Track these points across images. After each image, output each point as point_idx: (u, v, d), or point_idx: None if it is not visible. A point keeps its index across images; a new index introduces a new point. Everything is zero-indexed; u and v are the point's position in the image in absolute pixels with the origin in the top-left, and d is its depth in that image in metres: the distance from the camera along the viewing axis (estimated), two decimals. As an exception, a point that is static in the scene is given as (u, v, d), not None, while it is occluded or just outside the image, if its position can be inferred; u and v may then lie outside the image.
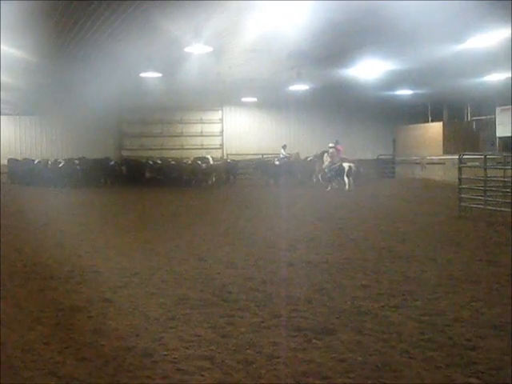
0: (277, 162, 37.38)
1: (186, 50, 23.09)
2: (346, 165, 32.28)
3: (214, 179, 38.20)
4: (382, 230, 16.55)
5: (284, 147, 39.63)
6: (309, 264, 11.77)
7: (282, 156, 38.80)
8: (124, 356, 6.68)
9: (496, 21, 20.25)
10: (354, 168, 32.26)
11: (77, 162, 38.20)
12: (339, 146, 35.44)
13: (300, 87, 36.06)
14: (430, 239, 14.97)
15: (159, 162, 39.47)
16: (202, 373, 6.23)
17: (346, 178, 31.69)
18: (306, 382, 5.98)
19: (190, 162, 39.48)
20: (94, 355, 6.74)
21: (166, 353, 6.79)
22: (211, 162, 39.25)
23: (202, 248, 13.91)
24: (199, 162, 38.23)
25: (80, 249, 13.97)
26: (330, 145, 34.96)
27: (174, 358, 6.63)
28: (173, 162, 39.39)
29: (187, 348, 6.95)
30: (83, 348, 6.99)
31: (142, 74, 29.94)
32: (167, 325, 7.86)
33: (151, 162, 38.94)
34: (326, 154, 34.76)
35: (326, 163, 34.19)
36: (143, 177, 37.71)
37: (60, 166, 37.09)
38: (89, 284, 10.31)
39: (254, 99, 44.49)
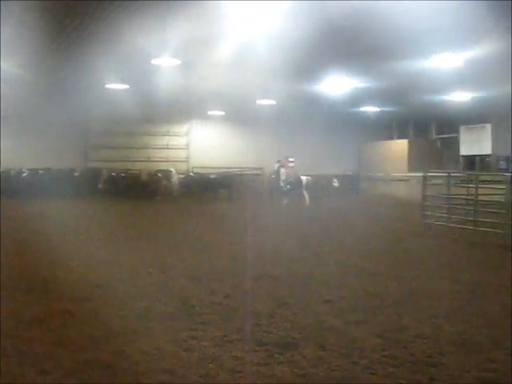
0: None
1: (154, 62, 23.07)
2: (303, 178, 32.40)
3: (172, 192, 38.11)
4: (345, 246, 16.61)
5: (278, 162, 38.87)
6: (273, 278, 11.76)
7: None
8: (84, 369, 6.60)
9: (463, 41, 20.51)
10: (310, 182, 32.41)
11: (41, 172, 37.86)
12: (291, 160, 35.22)
13: (267, 102, 36.17)
14: (393, 256, 15.07)
15: (113, 173, 39.00)
16: (164, 386, 6.18)
17: (304, 192, 31.82)
18: (267, 397, 5.97)
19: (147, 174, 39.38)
20: (53, 368, 6.64)
21: (127, 366, 6.72)
22: (174, 175, 39.09)
23: (166, 261, 13.84)
24: (159, 175, 38.08)
25: (40, 260, 13.82)
26: (290, 159, 34.87)
27: (135, 372, 6.56)
28: (123, 174, 39.02)
29: (149, 361, 6.89)
30: (43, 360, 6.88)
31: (108, 85, 29.84)
32: (129, 338, 7.79)
33: (105, 173, 38.44)
34: (282, 169, 34.57)
35: (283, 177, 34.04)
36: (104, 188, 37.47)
37: (24, 175, 36.75)
38: (50, 295, 10.19)
39: (222, 113, 44.51)
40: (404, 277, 12.15)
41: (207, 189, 38.63)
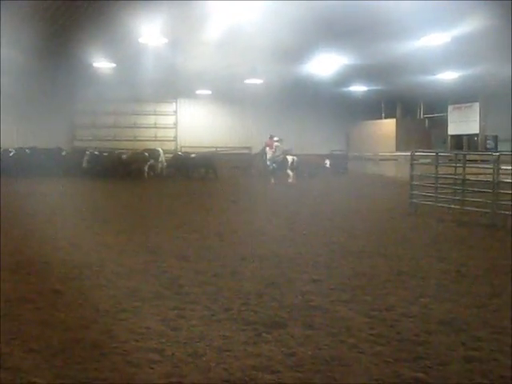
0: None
1: (141, 40, 22.96)
2: (289, 158, 32.49)
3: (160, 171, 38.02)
4: (333, 226, 16.64)
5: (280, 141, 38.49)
6: (260, 258, 11.78)
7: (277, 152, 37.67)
8: (72, 348, 6.61)
9: (450, 20, 20.50)
10: (296, 161, 32.51)
11: (28, 151, 37.71)
12: (276, 140, 35.04)
13: (255, 81, 36.10)
14: (380, 235, 15.10)
15: (96, 152, 38.67)
16: (152, 365, 6.18)
17: (289, 171, 31.91)
18: (255, 376, 5.98)
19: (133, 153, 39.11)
20: (41, 347, 6.65)
21: (115, 345, 6.73)
22: (161, 154, 38.89)
23: (154, 241, 13.84)
24: (146, 154, 37.87)
25: (28, 239, 13.80)
26: (275, 138, 34.78)
27: (124, 351, 6.57)
28: (105, 153, 38.80)
29: (137, 340, 6.90)
30: (31, 339, 6.89)
31: (95, 64, 29.69)
32: (117, 317, 7.80)
33: (88, 153, 38.12)
34: (267, 148, 34.49)
35: (269, 156, 33.98)
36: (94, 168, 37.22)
37: (11, 155, 36.61)
38: (38, 275, 10.18)
39: (209, 92, 44.41)
40: (391, 256, 12.19)
41: (192, 168, 38.44)
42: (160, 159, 38.83)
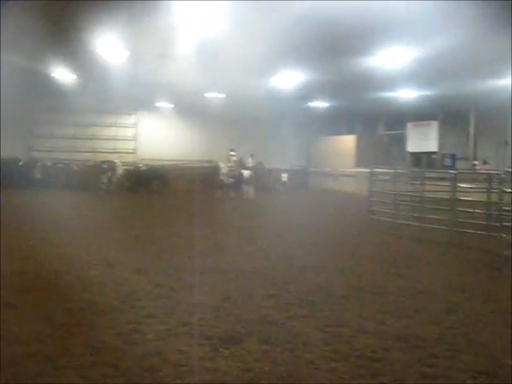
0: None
1: (102, 52, 22.86)
2: (245, 172, 32.54)
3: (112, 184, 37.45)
4: (292, 241, 16.63)
5: (252, 156, 38.63)
6: (218, 272, 11.74)
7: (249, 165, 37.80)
8: (26, 362, 6.52)
9: (410, 39, 20.75)
10: (252, 176, 32.59)
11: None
12: (233, 154, 35.01)
13: (216, 95, 36.14)
14: (338, 251, 15.15)
15: (48, 164, 37.75)
16: (106, 380, 6.14)
17: (244, 186, 31.98)
18: (211, 391, 5.96)
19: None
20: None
21: (69, 359, 6.65)
22: (118, 166, 38.31)
23: (111, 253, 13.72)
24: (104, 166, 37.33)
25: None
26: (232, 153, 34.77)
27: (78, 365, 6.49)
28: (59, 165, 38.03)
29: (92, 355, 6.83)
30: (-17, 354, 6.77)
31: (54, 75, 29.47)
32: (72, 331, 7.71)
33: (39, 164, 37.11)
34: (220, 163, 34.49)
35: (223, 171, 33.93)
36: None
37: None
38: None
39: (170, 105, 44.38)
40: (349, 272, 12.22)
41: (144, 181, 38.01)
42: (117, 172, 38.22)
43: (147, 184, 36.59)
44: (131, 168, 39.08)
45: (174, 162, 44.86)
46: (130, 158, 45.56)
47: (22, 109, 41.05)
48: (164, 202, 30.02)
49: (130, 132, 47.88)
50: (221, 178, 33.81)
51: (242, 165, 34.32)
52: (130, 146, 47.52)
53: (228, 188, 32.92)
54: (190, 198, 31.47)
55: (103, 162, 38.92)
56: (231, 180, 32.89)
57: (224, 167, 33.89)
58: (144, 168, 38.11)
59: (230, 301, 9.40)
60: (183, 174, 39.53)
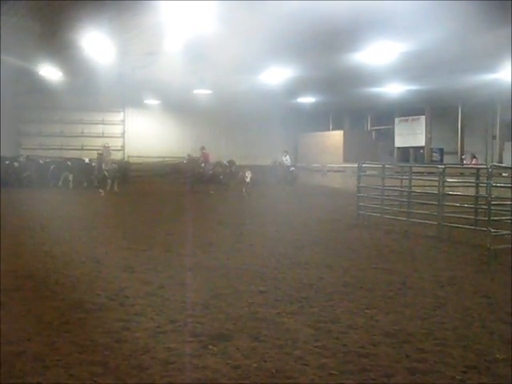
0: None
1: (88, 49, 22.78)
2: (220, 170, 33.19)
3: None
4: (280, 237, 16.63)
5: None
6: (207, 269, 11.74)
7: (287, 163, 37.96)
8: (14, 361, 6.49)
9: (398, 33, 20.77)
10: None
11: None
12: (206, 152, 34.85)
13: (204, 91, 36.11)
14: (327, 246, 15.15)
15: (16, 163, 36.75)
16: (95, 378, 6.11)
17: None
18: (200, 389, 5.95)
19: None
20: (-18, 361, 6.51)
21: (58, 358, 6.63)
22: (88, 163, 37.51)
23: (100, 251, 13.69)
24: (69, 163, 36.68)
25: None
26: (204, 150, 34.80)
27: (67, 364, 6.47)
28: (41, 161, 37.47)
29: (80, 353, 6.81)
30: (-30, 353, 6.74)
31: (41, 72, 29.36)
32: (60, 329, 7.68)
33: (7, 162, 36.38)
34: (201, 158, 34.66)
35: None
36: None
37: None
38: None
39: (158, 102, 44.34)
40: (337, 267, 12.23)
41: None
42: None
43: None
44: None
45: (162, 159, 44.89)
46: (118, 155, 45.48)
47: (9, 106, 40.87)
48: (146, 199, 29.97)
49: (117, 129, 47.81)
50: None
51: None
52: (117, 143, 47.41)
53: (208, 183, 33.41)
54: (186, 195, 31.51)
55: (69, 159, 38.45)
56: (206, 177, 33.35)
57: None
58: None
59: (219, 298, 9.38)
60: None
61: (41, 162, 37.22)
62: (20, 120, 44.45)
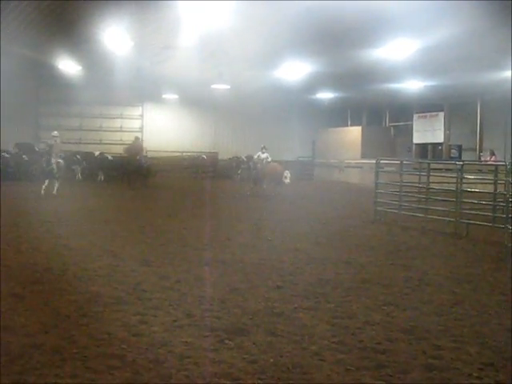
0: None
1: (107, 43, 22.85)
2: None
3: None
4: (298, 232, 16.62)
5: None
6: (224, 264, 11.75)
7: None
8: (32, 353, 6.52)
9: (417, 29, 20.69)
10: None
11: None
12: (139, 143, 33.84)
13: (222, 86, 36.14)
14: (345, 242, 15.14)
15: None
16: (112, 371, 6.13)
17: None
18: (216, 383, 5.96)
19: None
20: (0, 353, 6.56)
21: (75, 351, 6.65)
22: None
23: (117, 245, 13.74)
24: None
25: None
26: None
27: (84, 356, 6.50)
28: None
29: (98, 346, 6.84)
30: (-11, 345, 6.79)
31: (60, 66, 29.47)
32: (78, 322, 7.72)
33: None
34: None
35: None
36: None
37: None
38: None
39: (176, 96, 44.39)
40: (355, 264, 12.21)
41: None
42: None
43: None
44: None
45: (179, 154, 44.97)
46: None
47: (28, 100, 41.12)
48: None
49: (136, 124, 47.94)
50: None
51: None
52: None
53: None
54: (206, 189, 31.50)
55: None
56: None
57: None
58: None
59: (235, 292, 9.40)
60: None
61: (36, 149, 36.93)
62: (39, 113, 44.67)
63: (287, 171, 27.35)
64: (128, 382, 5.94)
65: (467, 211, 17.10)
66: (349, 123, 51.58)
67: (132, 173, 32.09)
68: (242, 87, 37.05)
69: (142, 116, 48.07)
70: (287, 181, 27.24)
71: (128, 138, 46.64)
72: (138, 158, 32.02)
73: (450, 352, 6.93)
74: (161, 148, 46.20)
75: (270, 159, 29.16)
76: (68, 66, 30.20)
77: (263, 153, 29.37)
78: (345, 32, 21.51)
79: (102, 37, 22.35)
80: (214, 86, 36.76)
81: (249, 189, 29.73)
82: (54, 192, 24.83)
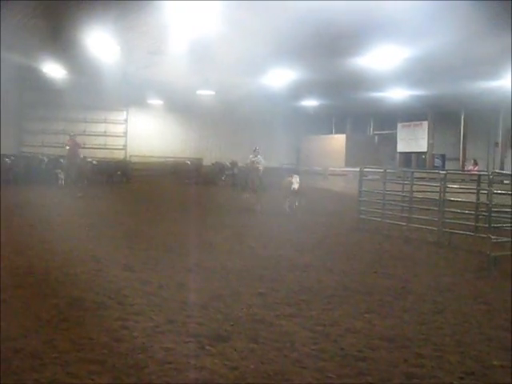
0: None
1: (92, 48, 22.81)
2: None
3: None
4: (281, 239, 16.55)
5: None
6: (206, 270, 11.74)
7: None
8: (11, 358, 6.49)
9: (402, 39, 20.79)
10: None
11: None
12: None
13: (207, 92, 36.16)
14: (327, 250, 15.14)
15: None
16: (92, 377, 6.12)
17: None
18: (197, 389, 5.95)
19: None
20: (-22, 358, 6.51)
21: (55, 355, 6.63)
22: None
23: (100, 250, 13.67)
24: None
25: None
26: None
27: (64, 361, 6.48)
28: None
29: (78, 351, 6.82)
30: (-32, 349, 6.74)
31: (45, 70, 29.40)
32: (59, 327, 7.69)
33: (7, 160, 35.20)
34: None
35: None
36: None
37: None
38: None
39: (161, 102, 44.39)
40: (337, 271, 12.22)
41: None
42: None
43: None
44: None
45: (164, 159, 44.94)
46: (120, 155, 45.56)
47: (13, 104, 40.93)
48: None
49: (120, 128, 47.86)
50: None
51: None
52: (120, 142, 47.48)
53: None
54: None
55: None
56: None
57: None
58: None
59: (218, 299, 9.38)
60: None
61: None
62: (23, 117, 44.51)
63: (296, 175, 23.92)
64: (108, 387, 5.92)
65: (450, 220, 17.16)
66: (333, 131, 51.74)
67: (75, 176, 30.63)
68: (227, 93, 37.12)
69: (126, 121, 48.01)
70: (296, 186, 22.99)
71: (112, 142, 46.71)
72: (75, 160, 30.30)
73: (431, 360, 6.95)
74: (145, 153, 46.15)
75: (263, 162, 26.30)
76: (53, 69, 30.13)
77: (255, 156, 26.29)
78: (331, 40, 21.57)
79: (87, 41, 22.30)
80: (199, 92, 36.79)
81: (250, 201, 26.01)
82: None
